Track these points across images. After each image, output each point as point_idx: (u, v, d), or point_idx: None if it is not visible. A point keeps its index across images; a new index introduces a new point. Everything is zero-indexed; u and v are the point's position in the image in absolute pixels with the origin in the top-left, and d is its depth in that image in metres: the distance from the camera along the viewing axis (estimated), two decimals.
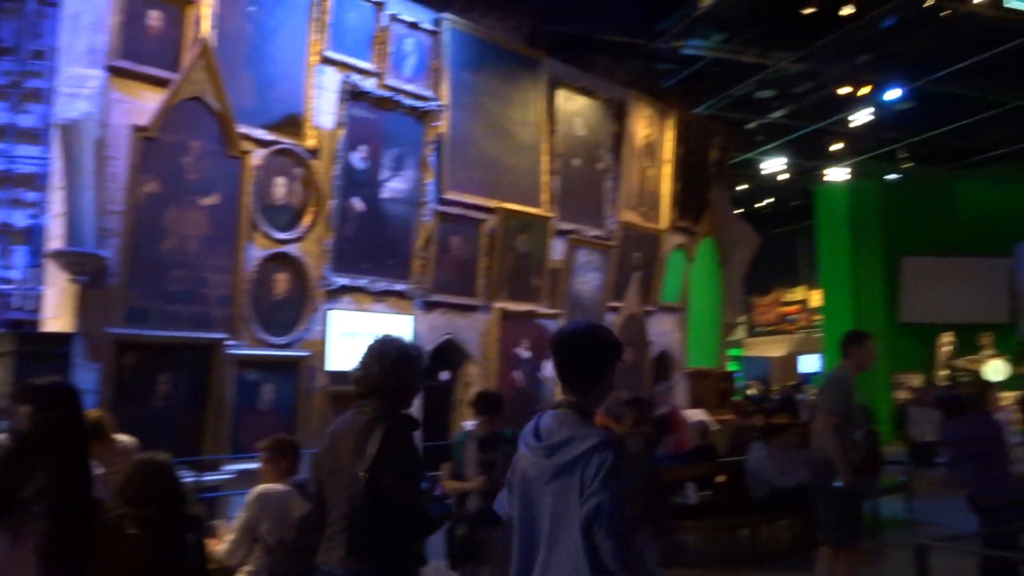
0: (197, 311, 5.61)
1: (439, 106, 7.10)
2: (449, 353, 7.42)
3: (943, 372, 16.50)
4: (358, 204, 6.59)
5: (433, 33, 7.19)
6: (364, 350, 2.66)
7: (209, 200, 5.69)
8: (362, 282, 6.59)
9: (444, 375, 7.45)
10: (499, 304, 7.56)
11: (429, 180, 7.05)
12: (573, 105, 8.55)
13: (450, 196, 7.19)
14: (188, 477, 5.23)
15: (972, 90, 12.13)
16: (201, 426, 5.55)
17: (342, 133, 6.42)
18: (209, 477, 5.29)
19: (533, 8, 8.55)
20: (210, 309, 5.68)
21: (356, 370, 2.66)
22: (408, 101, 6.87)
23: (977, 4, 8.82)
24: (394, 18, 6.84)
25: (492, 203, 7.49)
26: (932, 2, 9.13)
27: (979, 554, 4.98)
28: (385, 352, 2.67)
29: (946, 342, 16.74)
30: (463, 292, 7.38)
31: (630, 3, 9.26)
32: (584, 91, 8.66)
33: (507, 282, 7.66)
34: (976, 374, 15.78)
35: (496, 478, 3.91)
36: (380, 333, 2.87)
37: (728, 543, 6.91)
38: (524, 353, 7.83)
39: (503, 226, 7.53)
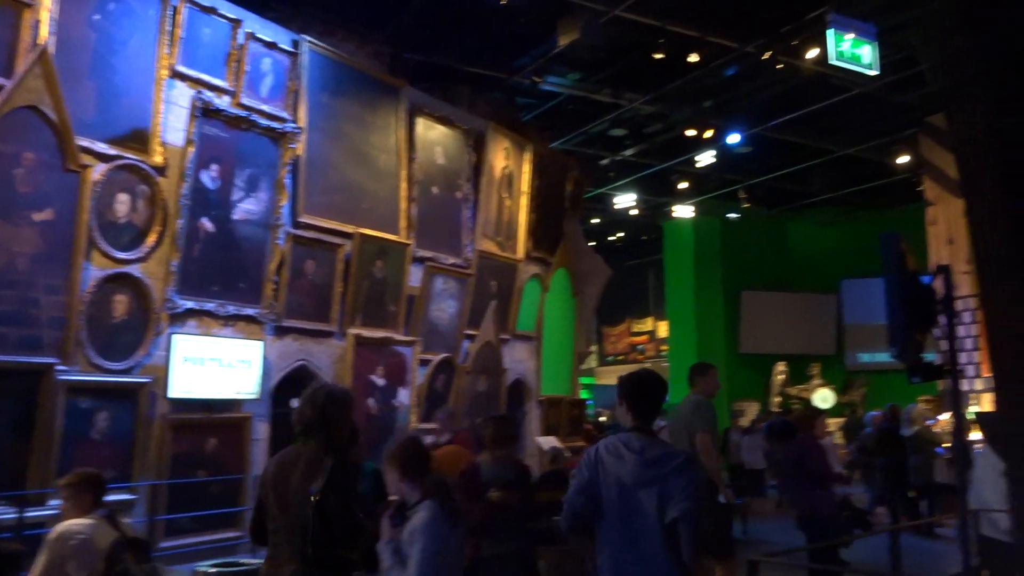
0: (26, 334, 5.21)
1: (296, 128, 6.97)
2: (302, 380, 7.22)
3: (777, 400, 17.56)
4: (208, 225, 6.35)
5: (292, 55, 7.07)
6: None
7: (42, 215, 5.33)
8: (210, 305, 6.34)
9: (296, 403, 7.24)
10: (354, 330, 7.45)
11: (284, 203, 6.89)
12: (433, 134, 8.60)
13: (306, 220, 7.06)
14: (9, 513, 4.84)
15: (804, 138, 13.10)
16: (26, 457, 5.14)
17: (192, 151, 6.19)
18: (33, 513, 4.90)
19: (394, 36, 8.59)
20: (41, 332, 5.30)
21: (295, 412, 3.27)
22: (263, 121, 6.71)
23: (808, 60, 9.55)
24: (251, 36, 6.68)
25: (349, 228, 7.41)
26: (768, 55, 9.82)
27: (805, 567, 5.33)
28: (315, 396, 3.24)
29: (780, 372, 17.86)
30: (317, 318, 7.22)
31: (491, 37, 9.46)
32: (444, 120, 8.74)
33: (363, 308, 7.57)
34: (806, 402, 16.90)
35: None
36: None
37: (576, 568, 7.03)
38: (379, 380, 7.74)
39: (360, 252, 7.45)
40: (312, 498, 2.99)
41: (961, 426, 4.80)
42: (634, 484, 3.00)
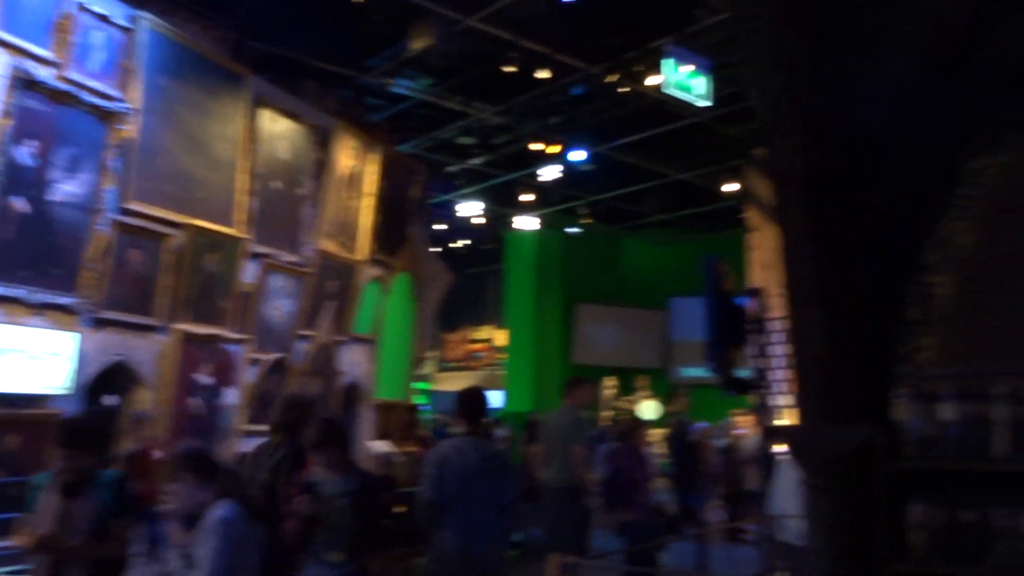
0: None
1: (127, 109, 6.57)
2: (118, 376, 6.80)
3: (606, 412, 18.18)
4: (21, 205, 5.87)
5: (127, 30, 6.66)
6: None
7: None
8: (19, 292, 5.85)
9: (110, 400, 6.81)
10: (180, 326, 7.10)
11: (109, 187, 6.48)
12: (277, 127, 8.35)
13: (133, 206, 6.66)
14: None
15: (642, 161, 13.70)
16: None
17: (8, 124, 5.71)
18: None
19: (242, 23, 8.28)
20: None
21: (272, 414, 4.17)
22: (91, 99, 6.29)
23: (647, 86, 10.00)
24: (82, 7, 6.25)
25: (181, 218, 7.06)
26: (613, 78, 10.21)
27: (621, 569, 5.56)
28: (285, 399, 4.24)
29: (609, 384, 18.49)
30: (140, 311, 6.83)
31: (343, 34, 9.31)
32: (289, 114, 8.50)
33: (191, 303, 7.22)
34: (631, 413, 17.60)
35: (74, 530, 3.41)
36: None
37: (403, 572, 7.02)
38: (205, 379, 7.41)
39: (191, 244, 7.12)
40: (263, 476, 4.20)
41: (767, 438, 5.17)
42: (475, 474, 4.22)
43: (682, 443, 10.53)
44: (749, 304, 4.53)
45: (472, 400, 4.47)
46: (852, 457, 2.91)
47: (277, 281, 8.23)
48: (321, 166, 8.90)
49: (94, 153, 6.36)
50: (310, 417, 4.54)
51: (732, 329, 4.36)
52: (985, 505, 2.77)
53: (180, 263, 7.06)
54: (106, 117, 6.41)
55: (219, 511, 3.05)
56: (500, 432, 13.47)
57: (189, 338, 7.18)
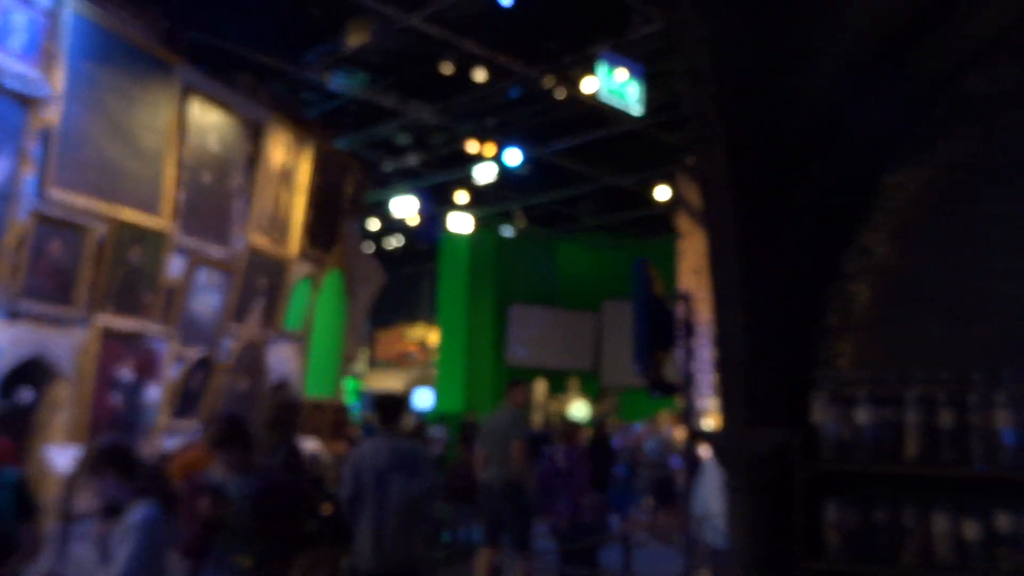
0: None
1: (49, 94, 6.34)
2: (34, 371, 6.55)
3: (538, 415, 18.28)
4: None
5: (51, 13, 6.42)
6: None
7: None
8: None
9: (25, 395, 6.56)
10: (102, 320, 6.87)
11: (28, 174, 6.23)
12: (208, 118, 8.15)
13: (54, 195, 6.42)
14: None
15: (577, 165, 13.82)
16: None
17: None
18: None
19: (174, 10, 8.06)
20: None
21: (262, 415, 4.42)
22: (10, 82, 6.04)
23: (584, 91, 10.10)
24: None
25: (104, 209, 6.83)
26: (550, 82, 10.27)
27: (558, 570, 5.63)
28: (276, 400, 4.63)
29: (541, 390, 18.60)
30: (59, 304, 6.58)
31: (278, 26, 9.16)
32: (221, 105, 8.31)
33: (114, 296, 7.00)
34: (563, 414, 17.73)
35: None
36: None
37: (329, 570, 6.91)
38: (127, 375, 7.18)
39: (115, 235, 6.90)
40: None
41: (692, 440, 5.26)
42: (387, 470, 4.45)
43: (601, 444, 10.64)
44: (677, 308, 4.61)
45: (388, 403, 4.83)
46: (771, 459, 2.99)
47: (204, 276, 8.03)
48: (253, 160, 8.72)
49: (12, 139, 6.11)
50: (299, 418, 5.28)
51: (661, 332, 4.44)
52: (897, 506, 2.87)
53: (102, 255, 6.83)
54: (26, 102, 6.17)
55: (141, 512, 2.97)
56: (435, 433, 13.40)
57: (110, 332, 6.95)
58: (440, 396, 18.26)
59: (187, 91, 7.83)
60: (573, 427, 6.87)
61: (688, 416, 5.13)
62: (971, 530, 2.74)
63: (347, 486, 4.57)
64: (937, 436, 2.83)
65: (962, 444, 2.79)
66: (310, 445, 9.09)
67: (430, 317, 20.78)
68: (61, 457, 6.30)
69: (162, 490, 3.10)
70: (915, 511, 2.82)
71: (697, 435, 5.37)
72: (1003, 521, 2.71)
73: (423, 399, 19.89)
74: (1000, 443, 2.73)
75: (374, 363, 23.53)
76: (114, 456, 3.14)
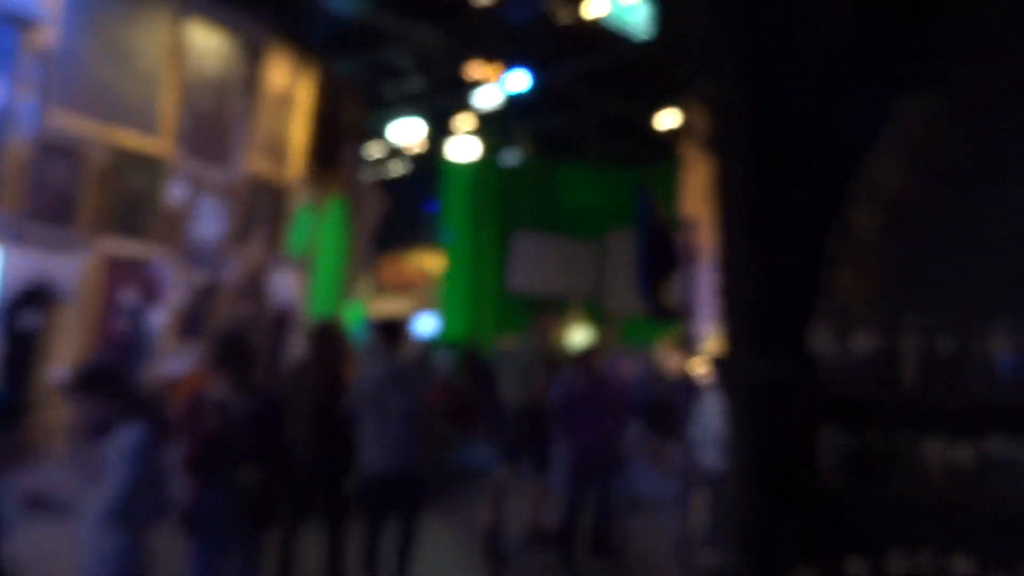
0: None
1: (44, 15, 6.20)
2: (39, 295, 6.59)
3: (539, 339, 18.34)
4: None
5: None
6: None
7: None
8: None
9: (32, 320, 6.61)
10: (105, 245, 6.87)
11: (27, 99, 6.15)
12: (207, 41, 8.00)
13: (54, 120, 6.35)
14: None
15: (583, 91, 13.60)
16: None
17: None
18: None
19: None
20: None
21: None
22: (3, 2, 5.91)
23: (589, 16, 9.85)
24: None
25: (104, 132, 6.76)
26: (558, 6, 10.02)
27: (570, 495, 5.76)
28: (314, 328, 5.38)
29: (545, 312, 18.61)
30: (62, 228, 6.58)
31: None
32: (220, 28, 8.14)
33: (116, 222, 6.99)
34: (562, 340, 17.82)
35: None
36: None
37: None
38: (131, 299, 7.22)
39: (116, 160, 6.85)
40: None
41: (693, 366, 5.31)
42: (386, 386, 4.68)
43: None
44: (681, 235, 4.59)
45: (388, 326, 4.95)
46: (771, 385, 3.01)
47: (205, 201, 8.00)
48: (253, 83, 8.59)
49: (6, 62, 6.01)
50: (341, 347, 5.34)
51: (663, 259, 4.42)
52: (893, 432, 2.91)
53: (103, 180, 6.79)
54: (21, 24, 6.04)
55: (132, 434, 2.97)
56: (439, 360, 13.47)
57: (113, 257, 6.97)
58: (445, 323, 18.38)
59: (185, 13, 7.67)
60: (590, 353, 6.82)
61: (689, 342, 5.16)
62: (964, 455, 2.79)
63: (351, 402, 4.85)
64: (934, 364, 2.84)
65: (959, 372, 2.81)
66: None
67: (434, 245, 20.75)
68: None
69: (152, 411, 3.10)
70: (910, 437, 2.86)
71: (700, 362, 5.41)
72: (996, 446, 2.75)
73: (427, 325, 20.04)
74: (996, 370, 2.75)
75: (379, 289, 23.63)
76: (101, 377, 3.12)
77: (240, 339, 3.98)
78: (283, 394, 4.80)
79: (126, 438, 2.95)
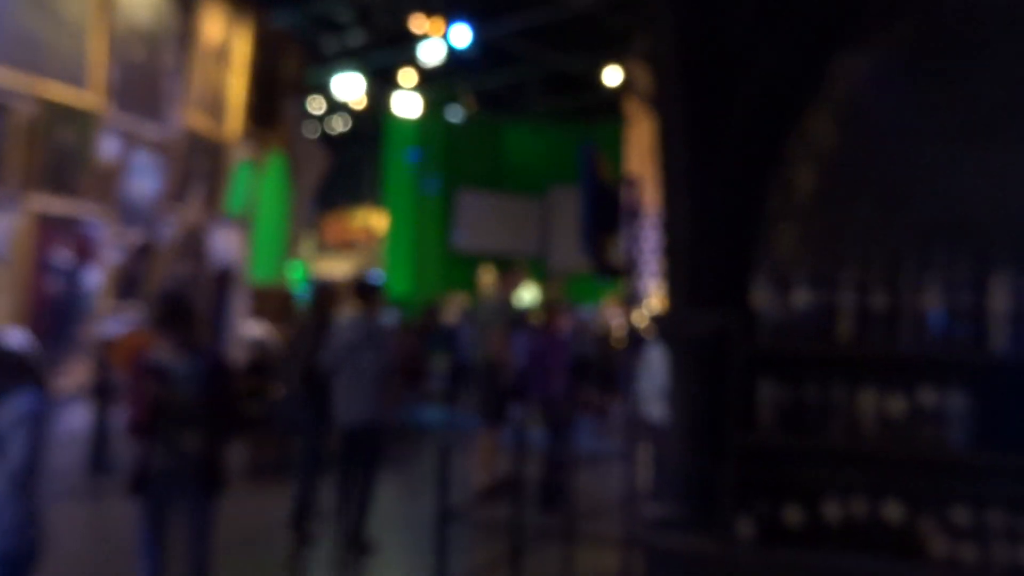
0: None
1: None
2: None
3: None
4: None
5: None
6: None
7: None
8: None
9: None
10: (33, 203, 6.62)
11: None
12: None
13: None
14: None
15: (526, 47, 13.47)
16: None
17: None
18: None
19: None
20: None
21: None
22: None
23: None
24: None
25: (31, 85, 6.47)
26: None
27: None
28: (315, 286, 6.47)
29: (486, 272, 18.57)
30: None
31: None
32: None
33: (46, 178, 6.72)
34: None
35: None
36: None
37: (277, 456, 7.06)
38: (65, 259, 6.99)
39: (43, 115, 6.56)
40: None
41: (634, 322, 5.37)
42: (360, 344, 5.13)
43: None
44: (623, 193, 4.60)
45: (365, 287, 5.40)
46: (711, 339, 3.06)
47: (140, 157, 7.74)
48: (188, 34, 8.29)
49: None
50: (336, 300, 5.99)
51: (607, 216, 4.44)
52: (828, 384, 2.98)
53: (31, 135, 6.51)
54: None
55: (27, 402, 2.89)
56: (387, 319, 13.33)
57: (44, 217, 6.71)
58: (389, 281, 18.25)
59: None
60: (552, 311, 6.92)
61: (632, 299, 5.21)
62: (896, 406, 2.88)
63: (327, 357, 5.26)
64: (869, 318, 2.92)
65: (892, 326, 2.89)
66: (257, 330, 9.07)
67: (377, 201, 20.51)
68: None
69: (38, 377, 3.01)
70: (845, 389, 2.94)
71: (641, 317, 5.47)
72: (926, 397, 2.84)
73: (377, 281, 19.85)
74: (926, 325, 2.84)
75: (322, 248, 23.31)
76: None
77: (181, 299, 3.90)
78: (289, 352, 6.04)
79: (19, 406, 2.87)
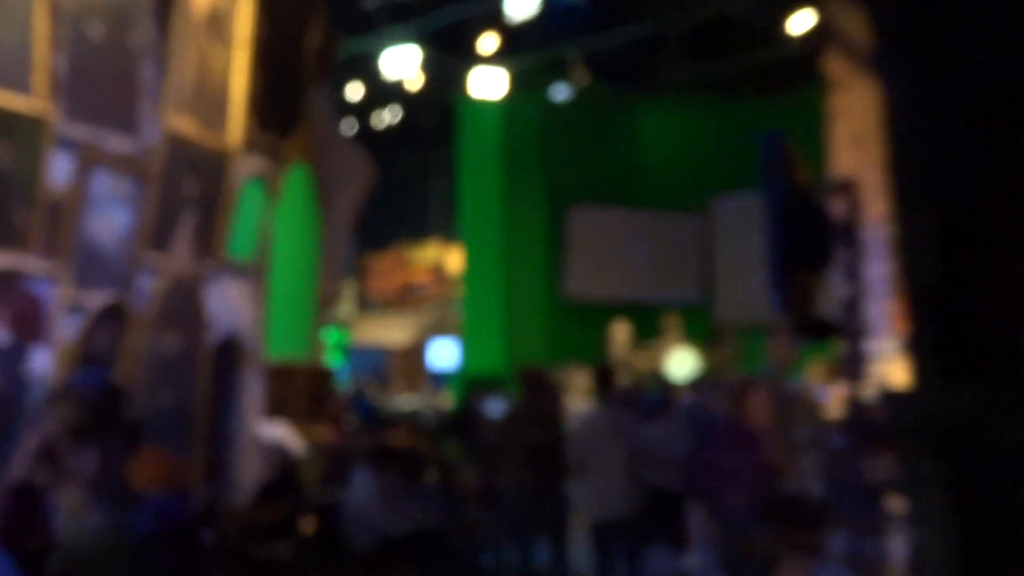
0: None
1: None
2: None
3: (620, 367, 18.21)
4: None
5: None
6: None
7: None
8: None
9: None
10: None
11: None
12: None
13: None
14: None
15: None
16: None
17: None
18: None
19: None
20: None
21: None
22: None
23: None
24: None
25: None
26: None
27: None
28: None
29: (621, 330, 18.46)
30: None
31: None
32: None
33: None
34: (655, 369, 17.67)
35: None
36: None
37: None
38: None
39: None
40: None
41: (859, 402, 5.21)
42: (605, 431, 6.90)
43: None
44: (832, 204, 4.50)
45: (602, 371, 7.24)
46: (968, 425, 2.94)
47: (104, 181, 8.05)
48: (166, 3, 8.65)
49: None
50: (554, 392, 8.78)
51: (807, 242, 4.32)
52: None
53: None
54: None
55: None
56: (491, 408, 13.12)
57: None
58: (467, 351, 18.35)
59: None
60: (742, 389, 6.79)
61: (852, 367, 5.07)
62: None
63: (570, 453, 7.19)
64: None
65: None
66: (276, 431, 9.23)
67: (448, 231, 20.82)
68: None
69: None
70: None
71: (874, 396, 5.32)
72: None
73: (443, 355, 20.05)
74: None
75: (366, 304, 23.75)
76: None
77: (111, 400, 3.96)
78: (497, 444, 7.97)
79: None
